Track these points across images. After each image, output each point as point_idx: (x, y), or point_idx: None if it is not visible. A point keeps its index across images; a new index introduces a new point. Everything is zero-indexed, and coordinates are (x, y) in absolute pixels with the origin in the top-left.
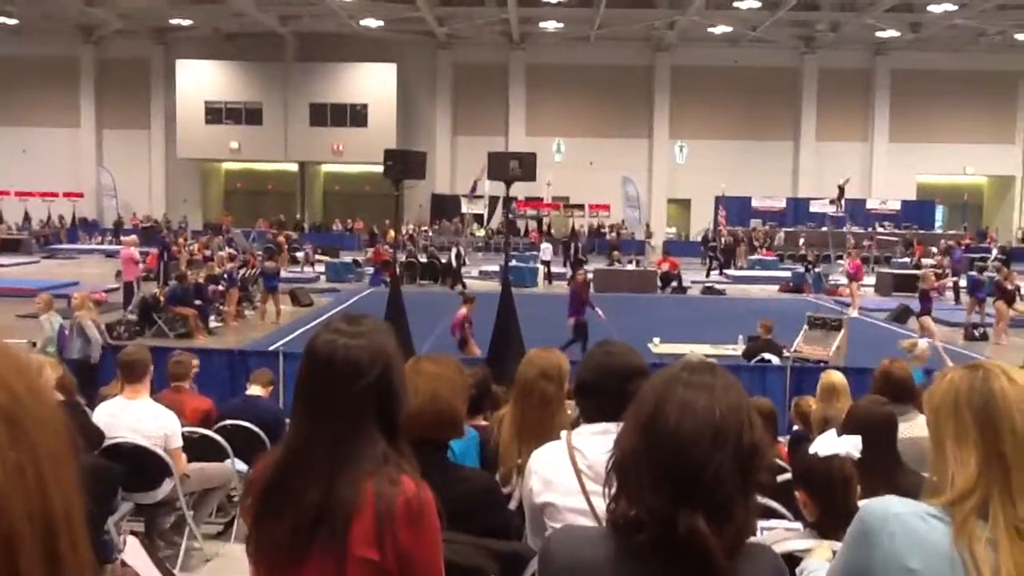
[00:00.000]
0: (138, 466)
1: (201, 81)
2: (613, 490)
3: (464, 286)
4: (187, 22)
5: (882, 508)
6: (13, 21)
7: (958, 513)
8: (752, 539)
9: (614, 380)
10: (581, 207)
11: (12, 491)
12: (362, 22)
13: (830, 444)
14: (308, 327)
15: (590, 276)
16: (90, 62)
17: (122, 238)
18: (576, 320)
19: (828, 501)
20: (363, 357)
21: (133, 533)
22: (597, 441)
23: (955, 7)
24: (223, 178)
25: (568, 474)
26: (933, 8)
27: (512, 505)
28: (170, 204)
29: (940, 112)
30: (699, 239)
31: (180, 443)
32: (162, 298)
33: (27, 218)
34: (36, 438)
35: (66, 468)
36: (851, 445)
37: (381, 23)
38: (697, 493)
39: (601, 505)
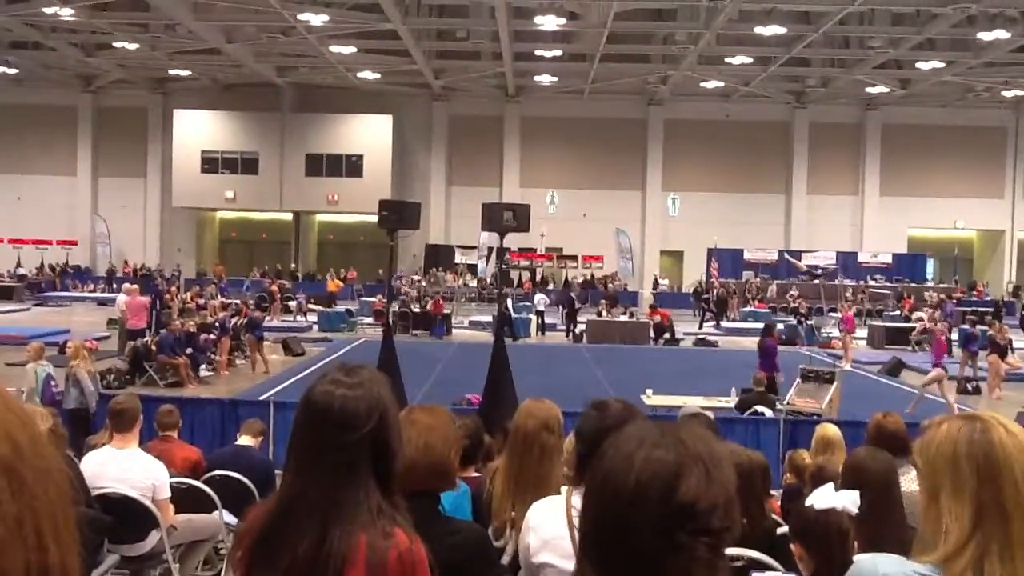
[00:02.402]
0: (125, 517)
1: (198, 130)
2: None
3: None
4: (185, 72)
5: (871, 568)
6: (14, 71)
7: (954, 567)
8: None
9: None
10: (574, 258)
11: (11, 544)
12: (359, 74)
13: (827, 498)
14: (299, 376)
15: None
16: (88, 111)
17: (125, 286)
18: (770, 376)
19: (824, 555)
20: (360, 408)
21: None
22: None
23: (943, 64)
24: (218, 227)
25: (565, 536)
26: (922, 65)
27: (505, 560)
28: (164, 252)
29: (930, 166)
30: (691, 291)
31: (168, 494)
32: (154, 347)
33: (18, 264)
34: (36, 491)
35: (64, 521)
36: (848, 499)
37: (378, 75)
38: (618, 565)
39: None
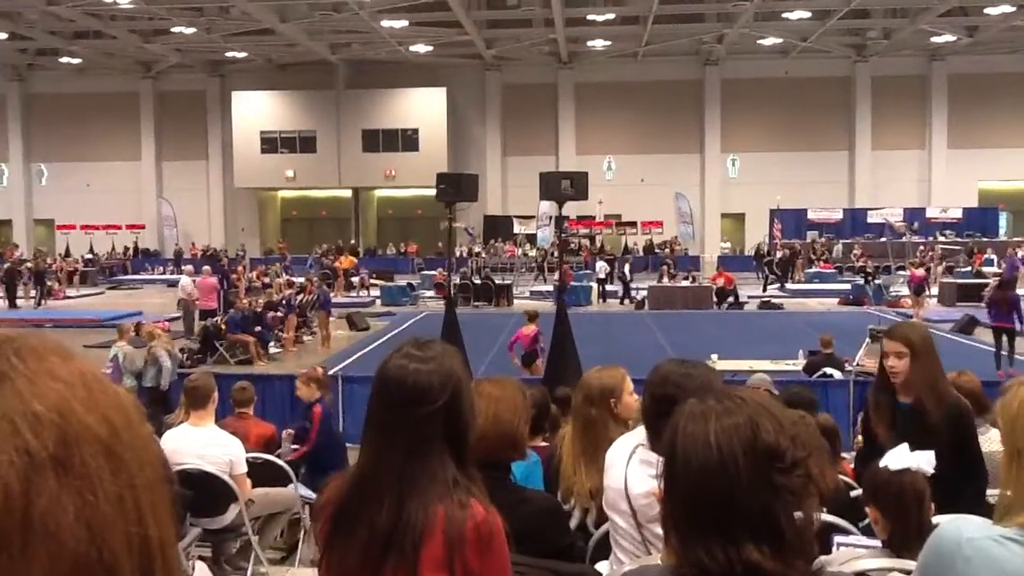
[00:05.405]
0: (204, 492)
1: (256, 111)
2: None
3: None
4: (241, 54)
5: (955, 533)
6: (77, 60)
7: None
8: (823, 558)
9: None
10: (633, 224)
11: (114, 521)
12: (411, 48)
13: (901, 459)
14: (365, 351)
15: None
16: (149, 96)
17: (187, 268)
18: (1010, 328)
19: (900, 518)
20: (434, 381)
21: (201, 558)
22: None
23: (1013, 8)
24: (279, 206)
25: (615, 487)
26: (990, 10)
27: (571, 523)
28: (228, 233)
29: (1001, 116)
30: (753, 253)
31: (245, 469)
32: (223, 326)
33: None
34: (133, 469)
35: (160, 497)
36: (924, 460)
37: (430, 48)
38: (737, 525)
39: None
